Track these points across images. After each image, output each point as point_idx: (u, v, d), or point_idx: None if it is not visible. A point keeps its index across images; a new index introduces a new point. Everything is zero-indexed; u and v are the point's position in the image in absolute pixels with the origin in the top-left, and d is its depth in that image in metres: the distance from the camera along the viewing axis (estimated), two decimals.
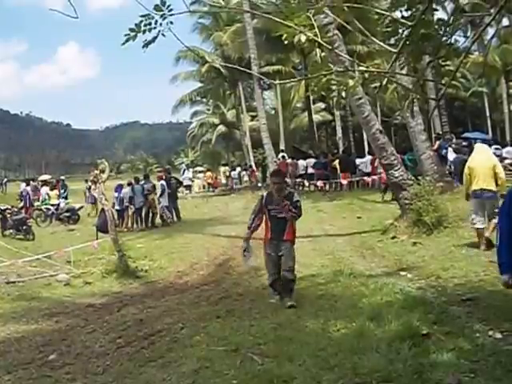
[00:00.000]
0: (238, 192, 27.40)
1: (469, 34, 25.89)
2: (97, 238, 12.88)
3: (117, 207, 16.50)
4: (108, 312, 6.87)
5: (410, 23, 3.38)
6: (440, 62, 3.54)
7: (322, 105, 40.50)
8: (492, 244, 7.55)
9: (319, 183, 21.98)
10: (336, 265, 8.15)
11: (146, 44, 3.58)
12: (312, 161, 23.82)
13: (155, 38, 3.54)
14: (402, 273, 7.20)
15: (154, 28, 3.48)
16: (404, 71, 4.14)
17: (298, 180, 23.75)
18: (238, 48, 29.09)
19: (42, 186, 22.80)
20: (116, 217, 14.69)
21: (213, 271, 9.21)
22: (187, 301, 7.05)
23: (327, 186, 22.00)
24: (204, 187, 31.53)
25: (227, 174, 32.18)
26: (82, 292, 8.49)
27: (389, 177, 10.99)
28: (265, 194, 6.27)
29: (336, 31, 11.00)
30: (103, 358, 4.87)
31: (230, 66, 24.98)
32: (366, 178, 20.54)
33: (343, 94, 3.75)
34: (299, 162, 24.41)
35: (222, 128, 44.71)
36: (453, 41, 3.60)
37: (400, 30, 3.50)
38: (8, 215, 15.75)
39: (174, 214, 17.51)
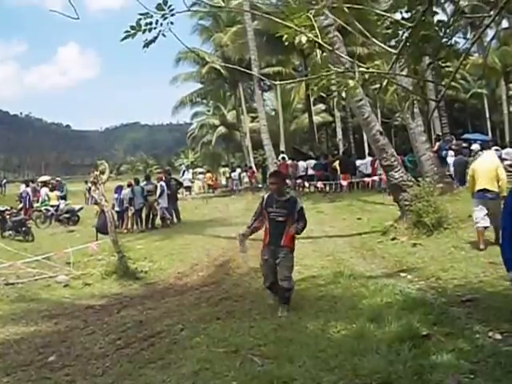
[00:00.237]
0: (238, 193, 27.39)
1: (469, 35, 25.89)
2: (96, 239, 12.90)
3: (117, 208, 16.49)
4: (108, 313, 6.86)
5: (410, 25, 3.38)
6: (440, 64, 3.54)
7: (322, 106, 40.60)
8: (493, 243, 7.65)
9: (319, 184, 21.97)
10: (336, 266, 8.15)
11: (147, 44, 3.59)
12: (312, 162, 23.83)
13: (156, 37, 3.54)
14: (402, 274, 7.20)
15: (155, 28, 3.49)
16: (404, 73, 4.15)
17: (298, 181, 23.73)
18: (239, 49, 29.11)
19: (41, 187, 22.82)
20: (116, 218, 14.70)
21: (213, 272, 9.21)
22: (187, 302, 7.05)
23: (327, 188, 22.00)
24: (204, 188, 31.54)
25: (227, 175, 32.19)
26: (81, 293, 8.48)
27: (389, 178, 10.99)
28: (265, 195, 6.05)
29: (336, 33, 11.02)
30: (103, 359, 4.86)
31: (231, 66, 24.96)
32: (366, 179, 20.54)
33: (343, 95, 3.75)
34: (299, 164, 24.41)
35: (222, 129, 44.73)
36: (453, 42, 3.61)
37: (400, 32, 3.50)
38: (7, 216, 15.73)
39: (174, 215, 17.51)
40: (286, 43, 3.75)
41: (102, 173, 10.82)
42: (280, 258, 5.75)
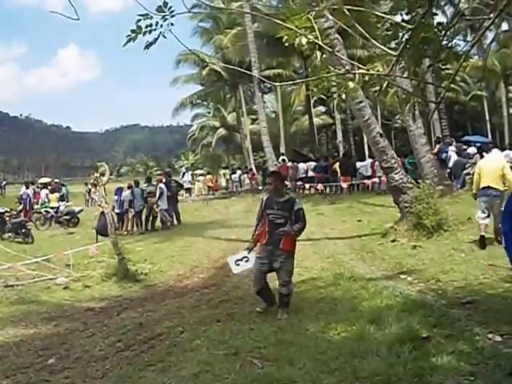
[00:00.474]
0: (239, 195, 27.40)
1: (468, 37, 25.96)
2: (97, 241, 12.88)
3: (117, 210, 16.48)
4: (107, 316, 6.85)
5: (410, 27, 3.39)
6: (440, 66, 3.55)
7: (322, 108, 40.67)
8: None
9: (319, 186, 21.97)
10: (336, 268, 8.14)
11: (148, 46, 3.59)
12: (312, 164, 23.84)
13: (156, 39, 3.55)
14: (402, 276, 7.20)
15: (155, 30, 3.49)
16: (404, 75, 4.15)
17: (299, 183, 23.74)
18: (239, 51, 29.14)
19: (41, 188, 22.81)
20: (116, 220, 14.69)
21: (213, 274, 9.19)
22: (187, 304, 7.04)
23: (327, 190, 21.99)
24: (204, 190, 31.54)
25: (227, 177, 32.18)
26: (81, 295, 8.46)
27: (389, 180, 11.00)
28: (264, 198, 5.96)
29: (336, 35, 11.03)
30: (102, 362, 4.85)
31: (231, 67, 25.02)
32: (366, 181, 20.55)
33: (343, 97, 3.75)
34: (300, 165, 24.40)
35: (222, 131, 44.77)
36: (453, 44, 3.62)
37: (400, 34, 3.51)
38: (7, 218, 15.72)
39: (175, 217, 17.50)
40: (287, 45, 3.76)
41: (102, 175, 10.81)
42: (280, 263, 5.65)
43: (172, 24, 3.50)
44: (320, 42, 3.56)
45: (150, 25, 3.47)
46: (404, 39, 3.48)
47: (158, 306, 7.14)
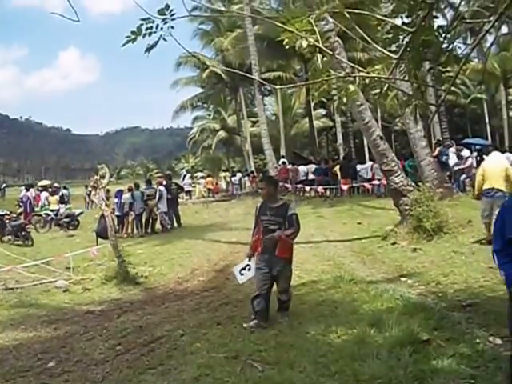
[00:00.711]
0: (239, 198, 27.41)
1: (468, 41, 25.97)
2: (97, 244, 12.87)
3: (117, 213, 16.47)
4: (107, 319, 6.83)
5: (410, 30, 3.39)
6: (440, 69, 3.55)
7: (322, 111, 40.75)
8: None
9: (320, 189, 21.98)
10: (336, 271, 8.13)
11: (149, 49, 3.60)
12: (313, 167, 23.85)
13: (157, 42, 3.55)
14: (403, 279, 7.19)
15: (155, 32, 3.50)
16: (405, 78, 4.15)
17: (299, 186, 23.75)
18: (239, 54, 29.20)
19: (41, 191, 22.81)
20: (116, 222, 14.69)
21: (213, 277, 9.18)
22: (187, 307, 7.02)
23: (328, 192, 21.99)
24: (204, 193, 31.54)
25: (228, 179, 32.20)
26: (81, 298, 8.44)
27: (389, 183, 11.00)
28: (258, 204, 5.85)
29: (337, 38, 11.04)
30: (102, 365, 4.84)
31: (231, 70, 25.05)
32: (366, 183, 20.55)
33: (344, 99, 3.75)
34: (300, 168, 24.42)
35: (222, 133, 44.81)
36: (453, 47, 3.62)
37: (400, 37, 3.51)
38: (7, 221, 15.70)
39: (175, 219, 17.49)
40: (287, 48, 3.76)
41: (102, 177, 10.81)
42: (277, 271, 5.56)
43: (172, 27, 3.50)
44: (320, 45, 3.56)
45: (151, 27, 3.48)
46: (404, 42, 3.48)
47: (158, 309, 7.13)
